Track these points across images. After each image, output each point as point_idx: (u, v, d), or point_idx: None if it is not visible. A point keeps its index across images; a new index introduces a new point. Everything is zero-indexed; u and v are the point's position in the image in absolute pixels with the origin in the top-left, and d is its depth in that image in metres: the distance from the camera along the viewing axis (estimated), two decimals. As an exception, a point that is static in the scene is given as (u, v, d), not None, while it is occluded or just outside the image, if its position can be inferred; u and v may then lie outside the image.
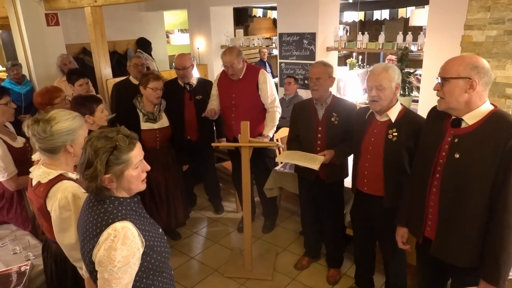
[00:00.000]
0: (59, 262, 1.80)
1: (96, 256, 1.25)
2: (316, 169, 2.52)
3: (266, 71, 3.44)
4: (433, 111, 1.84)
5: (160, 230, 1.46)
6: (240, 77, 3.21)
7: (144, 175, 1.39)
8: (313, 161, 2.55)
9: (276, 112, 3.28)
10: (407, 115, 2.20)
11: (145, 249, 1.31)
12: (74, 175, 1.70)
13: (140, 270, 1.31)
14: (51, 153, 1.70)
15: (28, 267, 2.04)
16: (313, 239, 3.15)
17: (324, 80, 2.60)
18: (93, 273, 1.30)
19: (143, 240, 1.30)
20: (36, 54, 5.03)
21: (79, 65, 5.23)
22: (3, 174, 2.37)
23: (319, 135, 2.69)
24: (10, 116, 2.54)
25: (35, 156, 1.93)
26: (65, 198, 1.61)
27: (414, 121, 2.14)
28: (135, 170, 1.33)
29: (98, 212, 1.29)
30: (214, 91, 3.40)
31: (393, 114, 2.19)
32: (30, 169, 1.77)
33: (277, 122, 3.31)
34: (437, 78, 1.68)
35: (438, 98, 1.70)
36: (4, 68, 7.57)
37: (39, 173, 1.69)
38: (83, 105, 2.45)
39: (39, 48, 5.03)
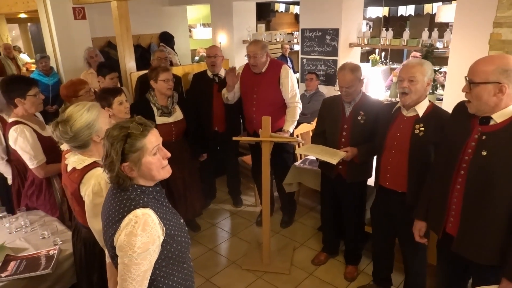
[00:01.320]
0: (88, 246, 1.88)
1: (117, 241, 1.27)
2: (334, 163, 2.51)
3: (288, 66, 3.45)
4: (459, 106, 1.81)
5: (182, 221, 1.48)
6: (263, 71, 3.23)
7: (166, 162, 1.39)
8: (333, 156, 2.54)
9: (296, 107, 3.28)
10: (435, 110, 2.17)
11: (166, 238, 1.32)
12: None
13: (160, 258, 1.33)
14: (83, 148, 1.78)
15: (56, 251, 2.12)
16: (331, 235, 3.15)
17: (355, 87, 2.59)
18: (114, 258, 1.33)
19: (164, 228, 1.32)
20: (63, 46, 5.17)
21: (104, 58, 5.35)
22: (33, 162, 2.46)
23: (344, 132, 2.68)
24: (38, 106, 2.61)
25: (64, 146, 2.00)
26: (98, 184, 1.67)
27: (442, 117, 2.11)
28: (153, 156, 1.33)
29: (121, 199, 1.32)
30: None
31: (421, 109, 2.16)
32: (66, 155, 1.85)
33: (297, 118, 3.31)
34: (466, 77, 1.66)
35: (466, 100, 1.68)
36: (33, 60, 7.82)
37: (74, 160, 1.76)
38: (103, 98, 2.58)
39: (66, 41, 5.17)
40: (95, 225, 1.72)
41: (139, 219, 1.26)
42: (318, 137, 2.83)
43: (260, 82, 3.24)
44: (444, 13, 5.76)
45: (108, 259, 1.59)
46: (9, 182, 2.80)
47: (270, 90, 3.23)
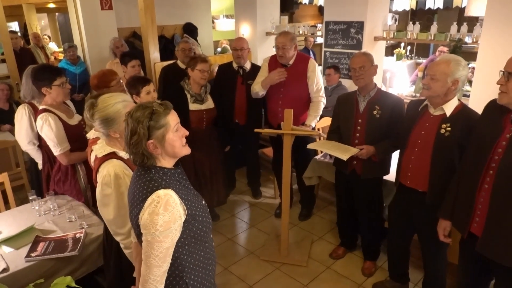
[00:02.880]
0: (108, 231, 1.94)
1: (141, 219, 1.35)
2: (345, 159, 2.50)
3: (311, 59, 3.42)
4: (492, 104, 1.76)
5: (204, 202, 1.53)
6: (290, 63, 3.23)
7: (185, 140, 1.46)
8: (345, 152, 2.53)
9: (320, 102, 3.27)
10: (464, 111, 2.08)
11: (187, 217, 1.39)
12: (125, 155, 1.81)
13: (182, 237, 1.39)
14: (105, 136, 1.84)
15: (82, 234, 2.20)
16: (347, 230, 3.15)
17: (368, 68, 2.55)
18: (139, 236, 1.40)
19: (185, 208, 1.38)
20: (90, 36, 5.29)
21: (129, 49, 5.44)
22: (57, 149, 2.55)
23: (359, 127, 2.65)
24: (65, 95, 2.67)
25: (89, 135, 2.07)
26: (109, 175, 1.72)
27: (471, 118, 2.02)
28: (175, 133, 1.40)
29: (145, 180, 1.38)
30: (265, 70, 3.36)
31: (449, 108, 2.08)
32: (98, 141, 1.91)
33: (320, 113, 3.31)
34: (501, 71, 1.62)
35: (497, 96, 1.65)
36: (61, 49, 8.03)
37: (98, 148, 1.82)
38: (132, 86, 2.67)
39: (93, 31, 5.29)
40: (105, 214, 1.78)
41: (161, 199, 1.32)
42: (333, 134, 2.82)
43: (287, 76, 3.23)
44: (475, 7, 5.58)
45: (134, 239, 1.66)
46: (40, 167, 2.91)
47: (297, 83, 3.23)
